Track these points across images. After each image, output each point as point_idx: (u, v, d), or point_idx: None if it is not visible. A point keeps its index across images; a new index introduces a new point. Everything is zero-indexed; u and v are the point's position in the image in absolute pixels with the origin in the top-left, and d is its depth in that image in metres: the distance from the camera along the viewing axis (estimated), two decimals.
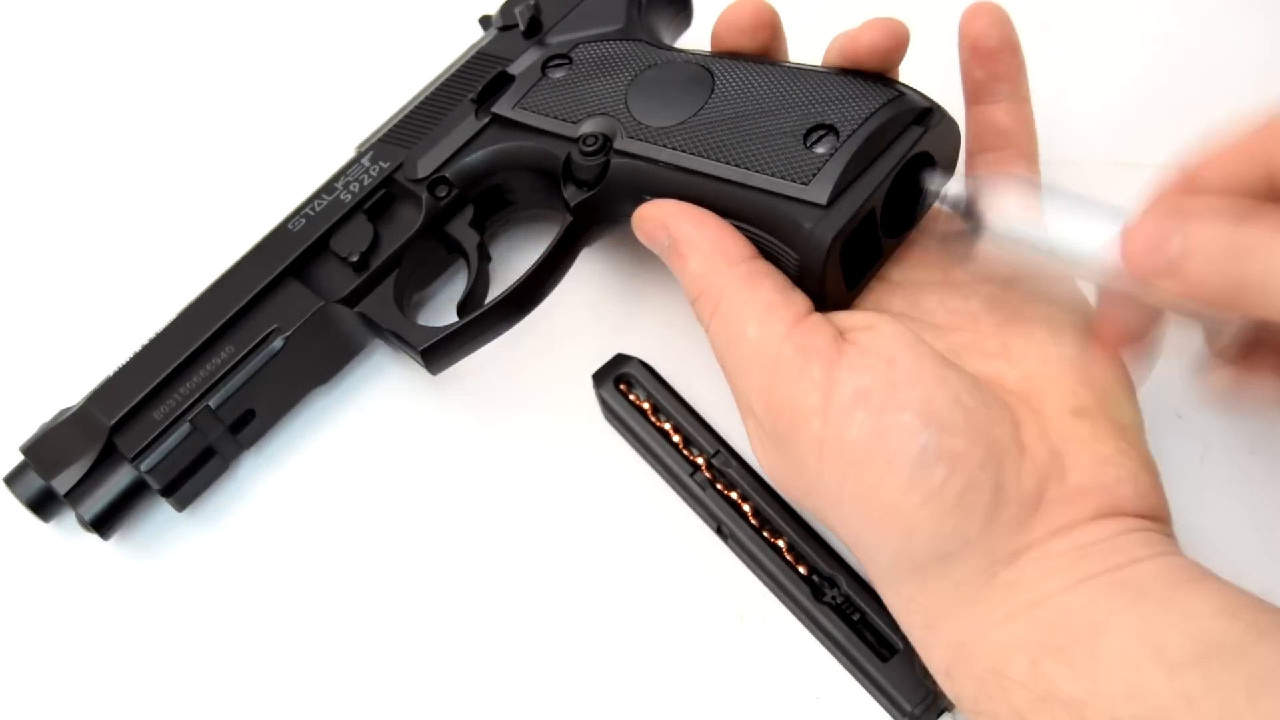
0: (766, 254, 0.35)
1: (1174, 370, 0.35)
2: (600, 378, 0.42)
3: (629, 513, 0.41)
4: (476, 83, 0.43)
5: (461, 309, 0.41)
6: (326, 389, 0.44)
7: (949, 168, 0.36)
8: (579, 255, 0.41)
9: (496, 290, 0.42)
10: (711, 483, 0.40)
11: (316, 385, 0.43)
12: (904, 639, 0.37)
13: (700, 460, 0.41)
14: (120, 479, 0.40)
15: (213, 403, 0.40)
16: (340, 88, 0.51)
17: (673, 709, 0.38)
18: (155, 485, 0.40)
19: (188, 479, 0.40)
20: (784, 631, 0.39)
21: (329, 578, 0.41)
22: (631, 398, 0.42)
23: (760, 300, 0.34)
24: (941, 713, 0.37)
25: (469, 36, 0.47)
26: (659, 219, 0.37)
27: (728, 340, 0.34)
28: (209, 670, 0.40)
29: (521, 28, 0.44)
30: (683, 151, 0.37)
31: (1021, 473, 0.31)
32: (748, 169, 0.35)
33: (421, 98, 0.44)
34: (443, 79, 0.45)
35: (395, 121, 0.44)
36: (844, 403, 0.31)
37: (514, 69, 0.43)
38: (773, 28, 0.39)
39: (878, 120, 0.34)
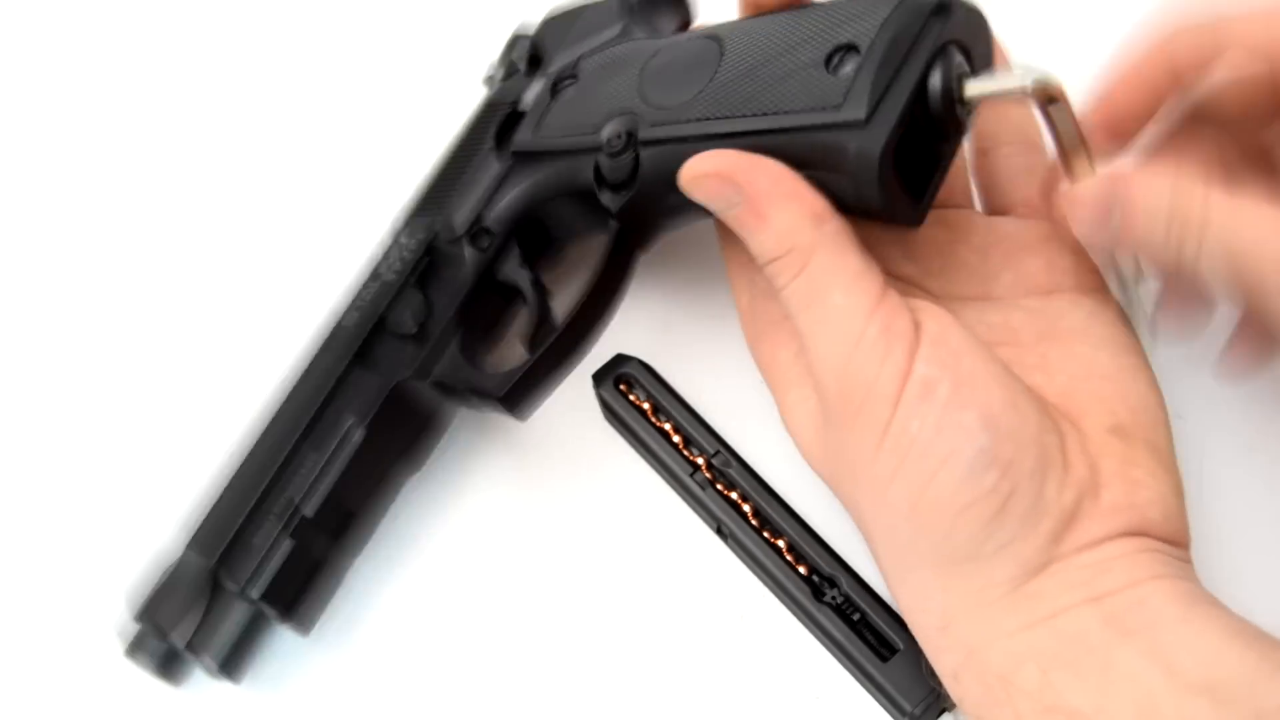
0: (823, 192, 0.34)
1: (1173, 370, 0.35)
2: (600, 378, 0.42)
3: (629, 513, 0.41)
4: (490, 130, 0.42)
5: (531, 345, 0.40)
6: (421, 477, 0.42)
7: (984, 54, 0.35)
8: (634, 265, 0.40)
9: None
10: (711, 483, 0.40)
11: (409, 472, 0.41)
12: (904, 639, 0.37)
13: (700, 460, 0.41)
14: (237, 614, 0.38)
15: (308, 511, 0.38)
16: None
17: (673, 709, 0.38)
18: (272, 612, 0.38)
19: (303, 598, 0.39)
20: (784, 631, 0.39)
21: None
22: (631, 398, 0.42)
23: (849, 265, 0.32)
24: (942, 712, 0.37)
25: (477, 98, 0.46)
26: (723, 172, 0.34)
27: (808, 302, 0.33)
28: None
29: (522, 67, 0.44)
30: (708, 119, 0.35)
31: (1064, 486, 0.31)
32: (778, 113, 0.34)
33: (439, 164, 0.44)
34: (456, 140, 0.44)
35: (423, 191, 0.43)
36: (914, 394, 0.31)
37: (524, 103, 0.42)
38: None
39: (894, 23, 0.33)
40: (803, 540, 0.39)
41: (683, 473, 0.40)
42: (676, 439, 0.41)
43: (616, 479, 0.42)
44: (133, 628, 0.39)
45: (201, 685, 0.40)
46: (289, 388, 0.41)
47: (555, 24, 0.45)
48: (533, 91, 0.42)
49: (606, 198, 0.38)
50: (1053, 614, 0.30)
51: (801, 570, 0.39)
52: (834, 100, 0.33)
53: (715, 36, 0.37)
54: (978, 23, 0.35)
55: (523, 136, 0.41)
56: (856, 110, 0.32)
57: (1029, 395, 0.32)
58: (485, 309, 0.41)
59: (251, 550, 0.38)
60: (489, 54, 0.47)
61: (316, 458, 0.39)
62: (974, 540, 0.31)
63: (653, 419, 0.42)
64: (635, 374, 0.42)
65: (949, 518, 0.31)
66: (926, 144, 0.34)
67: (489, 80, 0.46)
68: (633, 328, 0.44)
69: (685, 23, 0.45)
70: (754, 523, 0.39)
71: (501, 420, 0.43)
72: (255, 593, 0.38)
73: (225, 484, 0.40)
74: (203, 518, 0.39)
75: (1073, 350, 0.34)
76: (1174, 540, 0.32)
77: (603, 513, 0.42)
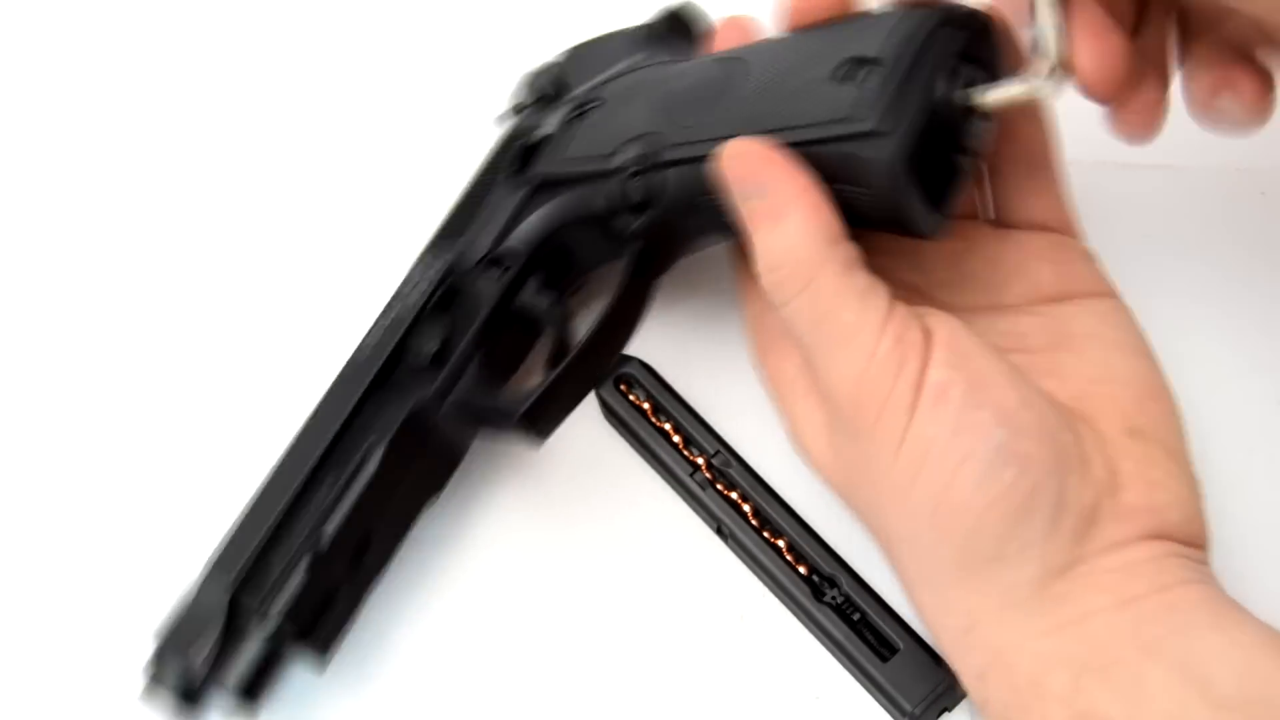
0: (843, 205, 0.33)
1: (1172, 369, 0.35)
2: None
3: (629, 513, 0.41)
4: (512, 157, 0.42)
5: (550, 366, 0.40)
6: (432, 522, 0.41)
7: (993, 62, 0.35)
8: (654, 289, 0.40)
9: None
10: (711, 483, 0.40)
11: (429, 495, 0.41)
12: (904, 639, 0.37)
13: (700, 460, 0.41)
14: (257, 636, 0.38)
15: (328, 531, 0.38)
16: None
17: (673, 709, 0.38)
18: (291, 628, 0.37)
19: (321, 618, 0.38)
20: (784, 631, 0.39)
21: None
22: (631, 398, 0.42)
23: (857, 285, 0.32)
24: (943, 711, 0.37)
25: (488, 136, 0.46)
26: (759, 161, 0.33)
27: (817, 321, 0.33)
28: None
29: (550, 93, 0.44)
30: (726, 136, 0.35)
31: (1083, 484, 0.31)
32: (793, 127, 0.34)
33: (462, 192, 0.44)
34: (479, 169, 0.44)
35: (444, 219, 0.43)
36: (929, 399, 0.31)
37: (544, 130, 0.42)
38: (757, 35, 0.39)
39: (907, 33, 0.33)
40: (803, 540, 0.39)
41: (683, 473, 0.40)
42: (676, 439, 0.41)
43: (616, 479, 0.42)
44: (154, 653, 0.38)
45: None
46: (310, 417, 0.41)
47: (581, 55, 0.45)
48: (553, 119, 0.42)
49: (628, 219, 0.38)
50: (1081, 617, 0.30)
51: (801, 570, 0.38)
52: (849, 111, 0.33)
53: (733, 57, 0.38)
54: (990, 30, 0.35)
55: (544, 163, 0.41)
56: (871, 120, 0.32)
57: (1043, 395, 0.32)
58: (505, 336, 0.41)
59: (269, 571, 0.38)
60: (505, 90, 0.47)
61: (335, 479, 0.39)
62: (998, 540, 0.30)
63: (653, 419, 0.42)
64: (635, 374, 0.42)
65: (972, 518, 0.30)
66: (944, 154, 0.34)
67: (516, 110, 0.46)
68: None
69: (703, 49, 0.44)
70: (754, 523, 0.39)
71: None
72: (275, 609, 0.37)
73: (246, 513, 0.39)
74: (223, 544, 0.39)
75: (1085, 355, 0.34)
76: (1194, 542, 0.32)
77: (603, 513, 0.42)
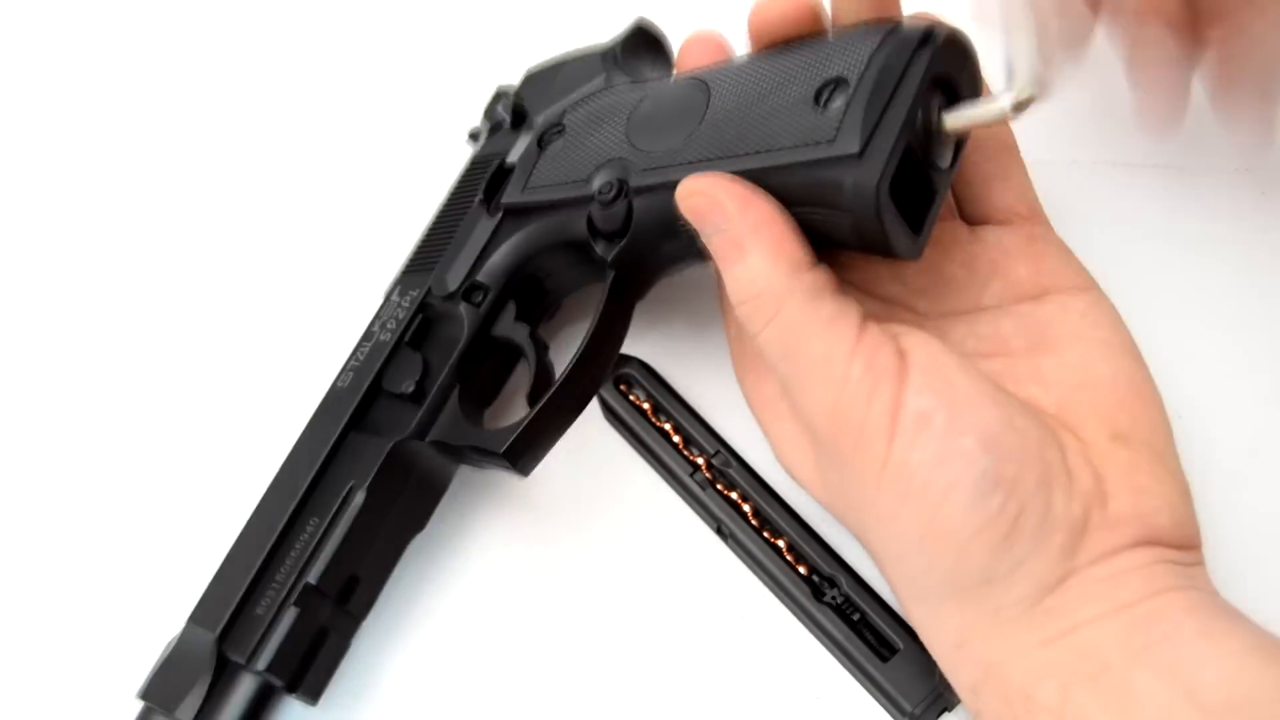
0: (819, 229, 0.33)
1: (1172, 370, 0.35)
2: None
3: (629, 513, 0.41)
4: (479, 186, 0.42)
5: (531, 400, 0.39)
6: (424, 537, 0.41)
7: (971, 82, 0.35)
8: (632, 312, 0.40)
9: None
10: (711, 483, 0.40)
11: (413, 533, 0.40)
12: (904, 639, 0.37)
13: (700, 460, 0.41)
14: (244, 688, 0.37)
15: (312, 578, 0.37)
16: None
17: (673, 709, 0.38)
18: (279, 682, 0.37)
19: (310, 666, 0.38)
20: (784, 631, 0.39)
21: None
22: (631, 398, 0.42)
23: (823, 314, 0.32)
24: (943, 711, 0.37)
25: (462, 155, 0.46)
26: (716, 197, 0.33)
27: (786, 353, 0.33)
28: None
29: (508, 121, 0.44)
30: (699, 161, 0.35)
31: (1070, 498, 0.31)
32: (770, 151, 0.34)
33: (430, 223, 0.44)
34: (445, 200, 0.44)
35: (414, 251, 0.43)
36: (909, 426, 0.30)
37: (511, 157, 0.42)
38: (726, 51, 0.39)
39: (882, 55, 0.33)
40: (803, 540, 0.39)
41: (683, 473, 0.40)
42: (676, 439, 0.41)
43: (616, 479, 0.42)
44: (139, 707, 0.38)
45: None
46: (288, 457, 0.40)
47: (536, 80, 0.44)
48: (519, 147, 0.42)
49: (601, 247, 0.38)
50: (1071, 628, 0.30)
51: (801, 570, 0.38)
52: (826, 135, 0.32)
53: (701, 80, 0.37)
54: (964, 51, 0.34)
55: (512, 192, 0.41)
56: (850, 144, 0.32)
57: (1026, 411, 0.32)
58: (482, 366, 0.41)
59: (255, 621, 0.37)
60: (476, 112, 0.47)
61: (318, 523, 0.38)
62: (988, 564, 0.30)
63: (653, 419, 0.42)
64: (635, 374, 0.42)
65: (960, 544, 0.30)
66: (921, 176, 0.34)
67: (473, 135, 0.46)
68: (632, 328, 0.44)
69: (668, 68, 0.44)
70: (754, 523, 0.39)
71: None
72: (261, 664, 0.36)
73: (228, 557, 0.39)
74: (206, 592, 0.38)
75: (1066, 358, 0.34)
76: (1185, 545, 0.32)
77: (603, 513, 0.42)
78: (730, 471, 0.40)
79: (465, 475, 0.42)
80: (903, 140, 0.32)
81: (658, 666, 0.39)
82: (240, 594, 0.37)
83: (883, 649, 0.37)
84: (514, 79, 0.46)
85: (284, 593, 0.37)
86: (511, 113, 0.44)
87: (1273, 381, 0.41)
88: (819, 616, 0.38)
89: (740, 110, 0.35)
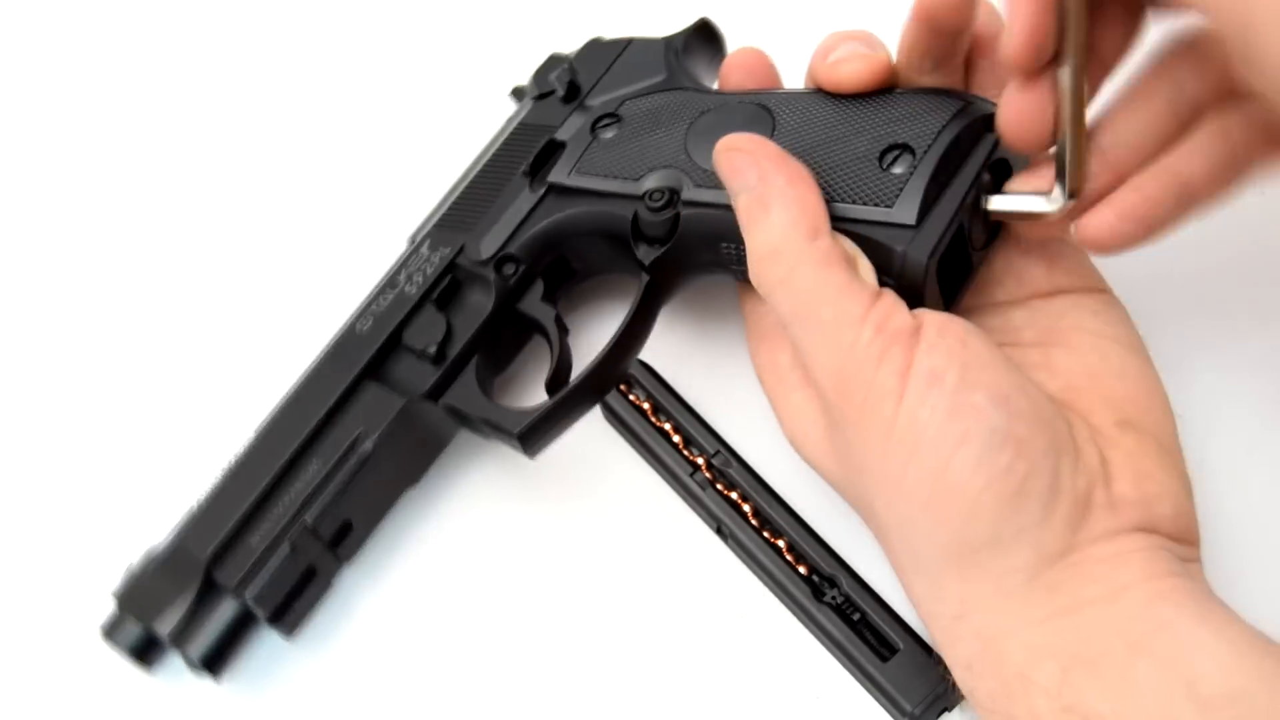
0: None
1: (1172, 370, 0.35)
2: None
3: (629, 513, 0.41)
4: (525, 155, 0.42)
5: (550, 386, 0.40)
6: (436, 502, 0.42)
7: (1011, 166, 0.35)
8: (658, 313, 0.40)
9: (579, 359, 0.41)
10: (711, 483, 0.40)
11: (408, 486, 0.41)
12: (904, 639, 0.37)
13: (700, 460, 0.41)
14: (225, 613, 0.38)
15: (309, 519, 0.38)
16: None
17: (673, 709, 0.38)
18: (262, 613, 0.38)
19: (293, 602, 0.39)
20: (784, 631, 0.39)
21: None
22: (631, 398, 0.42)
23: (834, 280, 0.32)
24: (943, 711, 0.37)
25: (500, 110, 0.46)
26: (754, 157, 0.34)
27: (797, 315, 0.33)
28: None
29: (560, 93, 0.43)
30: None
31: (1076, 471, 0.31)
32: (828, 200, 0.34)
33: (469, 178, 0.43)
34: (487, 156, 0.44)
35: (447, 206, 0.43)
36: (920, 383, 0.31)
37: (562, 135, 0.42)
38: (770, 70, 0.39)
39: (951, 131, 0.33)
40: (803, 540, 0.39)
41: (683, 473, 0.40)
42: (676, 439, 0.41)
43: (616, 479, 0.42)
44: (114, 611, 0.39)
45: (181, 677, 0.40)
46: (297, 390, 0.41)
47: (596, 55, 0.44)
48: (571, 125, 0.42)
49: (642, 250, 0.38)
50: (1072, 609, 0.30)
51: (801, 570, 0.39)
52: (886, 199, 0.33)
53: (766, 107, 0.37)
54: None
55: (559, 172, 0.41)
56: (907, 214, 0.33)
57: (1035, 385, 0.32)
58: (502, 337, 0.41)
59: (248, 550, 0.38)
60: (512, 64, 0.47)
61: (321, 466, 0.39)
62: (993, 524, 0.30)
63: (653, 419, 0.42)
64: (635, 374, 0.42)
65: (968, 501, 0.30)
66: (963, 252, 0.34)
67: (517, 92, 0.46)
68: None
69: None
70: (754, 523, 0.39)
71: None
72: (250, 594, 0.37)
73: (225, 481, 0.39)
74: (200, 511, 0.39)
75: (1076, 350, 0.34)
76: (1184, 539, 0.32)
77: (602, 513, 0.42)
78: (730, 471, 0.40)
79: (471, 472, 0.43)
80: (957, 220, 0.33)
81: (657, 666, 0.39)
82: (235, 521, 0.38)
83: (883, 649, 0.37)
84: (561, 43, 0.46)
85: (279, 528, 0.38)
86: (566, 85, 0.43)
87: (1273, 381, 0.41)
88: (819, 616, 0.38)
89: (804, 151, 0.35)
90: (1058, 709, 0.29)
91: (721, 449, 0.41)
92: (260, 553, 0.38)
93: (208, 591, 0.38)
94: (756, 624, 0.39)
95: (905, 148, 0.34)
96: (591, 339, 0.44)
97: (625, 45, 0.44)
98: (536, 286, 0.41)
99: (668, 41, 0.43)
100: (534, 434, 0.38)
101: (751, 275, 0.34)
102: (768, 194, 0.34)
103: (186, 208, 0.51)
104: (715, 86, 0.42)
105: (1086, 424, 0.33)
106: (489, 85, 0.49)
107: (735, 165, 0.35)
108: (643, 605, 0.40)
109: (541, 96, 0.44)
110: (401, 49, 0.54)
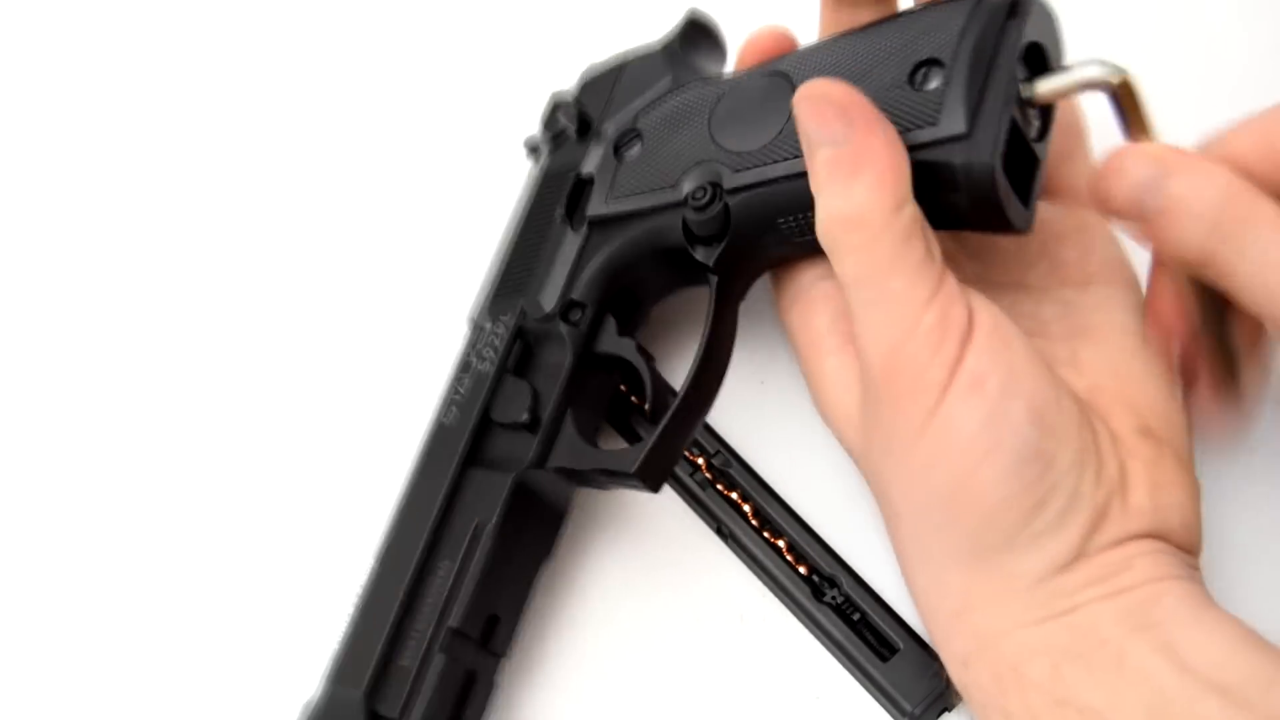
0: (935, 212, 0.32)
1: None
2: None
3: (629, 513, 0.41)
4: (556, 202, 0.41)
5: (653, 415, 0.39)
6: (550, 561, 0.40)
7: (1056, 48, 0.34)
8: (738, 312, 0.38)
9: (672, 382, 0.41)
10: (711, 483, 0.40)
11: (542, 560, 0.39)
12: (904, 639, 0.37)
13: (700, 460, 0.41)
14: None
15: (454, 622, 0.36)
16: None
17: (673, 709, 0.38)
18: None
19: (461, 713, 0.36)
20: (784, 631, 0.39)
21: None
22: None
23: (914, 256, 0.31)
24: (943, 711, 0.37)
25: (516, 164, 0.45)
26: (843, 108, 0.32)
27: (864, 280, 0.32)
28: None
29: (572, 131, 0.42)
30: (796, 157, 0.34)
31: (1097, 484, 0.31)
32: None
33: (510, 242, 0.42)
34: (521, 215, 0.43)
35: (496, 275, 0.42)
36: (964, 383, 0.30)
37: (587, 169, 0.41)
38: (788, 42, 0.38)
39: (973, 31, 0.32)
40: (803, 540, 0.39)
41: (683, 473, 0.40)
42: None
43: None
44: None
45: None
46: (404, 502, 0.39)
47: (596, 84, 0.43)
48: (593, 157, 0.41)
49: (701, 253, 0.37)
50: (1070, 609, 0.30)
51: (801, 570, 0.39)
52: (929, 118, 0.32)
53: (780, 71, 0.36)
54: (1049, 19, 0.34)
55: (596, 204, 0.40)
56: (955, 124, 0.31)
57: (1069, 391, 0.32)
58: (589, 384, 0.40)
59: (402, 672, 0.36)
60: (515, 115, 0.46)
61: (450, 565, 0.37)
62: (1010, 530, 0.30)
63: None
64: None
65: (987, 508, 0.30)
66: (1024, 147, 0.33)
67: (530, 146, 0.45)
68: None
69: (722, 60, 0.43)
70: (754, 523, 0.39)
71: None
72: (416, 717, 0.35)
73: (360, 612, 0.38)
74: (344, 650, 0.37)
75: (1103, 348, 0.34)
76: (1188, 549, 0.32)
77: (602, 513, 0.41)
78: (730, 471, 0.40)
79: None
80: (1008, 113, 0.32)
81: (657, 666, 0.39)
82: (381, 646, 0.36)
83: (883, 649, 0.37)
84: (556, 83, 0.45)
85: (427, 640, 0.36)
86: (577, 121, 0.42)
87: (1273, 382, 0.41)
88: (819, 616, 0.38)
89: None
90: (1050, 703, 0.29)
91: (721, 449, 0.41)
92: (415, 671, 0.36)
93: None
94: (756, 624, 0.39)
95: (932, 61, 0.32)
96: (678, 359, 0.43)
97: (623, 62, 0.43)
98: (609, 324, 0.39)
99: (664, 46, 0.42)
100: (650, 466, 0.36)
101: (821, 234, 0.33)
102: (860, 155, 0.31)
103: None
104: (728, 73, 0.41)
105: (1107, 429, 0.32)
106: (498, 144, 0.47)
107: (823, 115, 0.32)
108: (642, 604, 0.40)
109: (556, 139, 0.43)
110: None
